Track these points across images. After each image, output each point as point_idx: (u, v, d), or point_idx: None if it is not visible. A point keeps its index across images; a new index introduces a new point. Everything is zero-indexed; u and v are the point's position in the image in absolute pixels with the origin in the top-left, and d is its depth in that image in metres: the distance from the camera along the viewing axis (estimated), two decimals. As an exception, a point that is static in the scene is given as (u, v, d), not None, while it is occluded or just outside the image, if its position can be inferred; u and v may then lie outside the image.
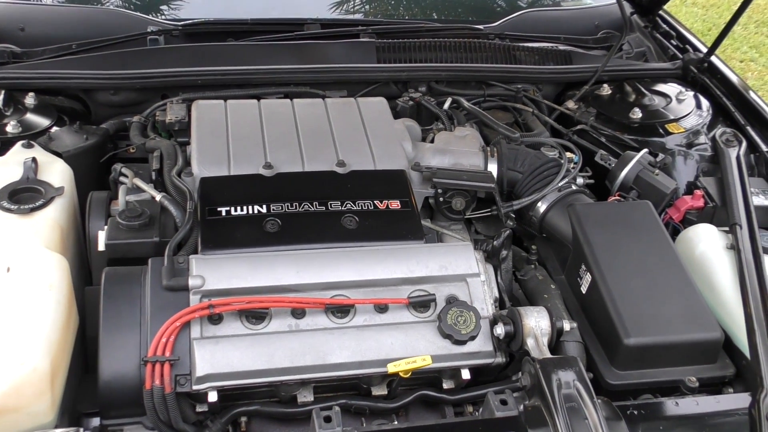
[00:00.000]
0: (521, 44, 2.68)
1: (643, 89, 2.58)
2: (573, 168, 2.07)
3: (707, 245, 1.97)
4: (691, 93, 2.60)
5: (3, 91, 2.22)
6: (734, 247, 1.92)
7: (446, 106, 2.38)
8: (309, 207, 1.87)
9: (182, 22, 2.58)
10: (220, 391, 1.62)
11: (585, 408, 1.44)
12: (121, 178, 2.01)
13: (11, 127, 2.11)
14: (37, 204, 1.81)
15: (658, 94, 2.59)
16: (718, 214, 2.12)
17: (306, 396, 1.71)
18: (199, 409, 1.65)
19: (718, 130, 2.38)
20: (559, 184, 2.01)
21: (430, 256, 1.78)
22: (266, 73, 2.34)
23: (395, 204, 1.92)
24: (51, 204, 1.83)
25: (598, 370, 1.72)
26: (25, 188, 1.86)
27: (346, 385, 1.73)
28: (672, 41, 2.91)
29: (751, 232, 1.97)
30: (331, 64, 2.40)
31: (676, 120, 2.45)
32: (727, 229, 2.01)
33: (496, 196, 1.98)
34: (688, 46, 2.84)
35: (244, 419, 1.72)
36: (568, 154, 2.14)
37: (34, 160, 1.91)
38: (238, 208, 1.85)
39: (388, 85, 2.51)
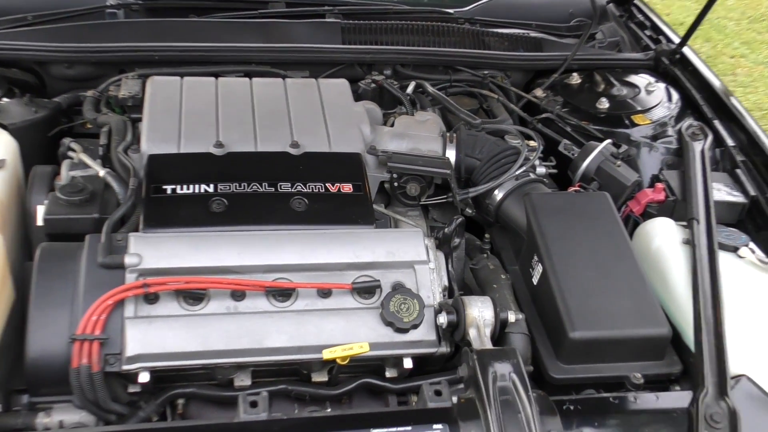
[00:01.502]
0: (491, 30, 2.63)
1: (612, 79, 2.54)
2: (533, 157, 2.03)
3: (663, 239, 1.94)
4: (662, 85, 2.56)
5: (-47, 61, 2.16)
6: (690, 242, 1.89)
7: (409, 89, 2.34)
8: (258, 188, 1.83)
9: (143, -4, 2.52)
10: (154, 372, 1.58)
11: (519, 402, 1.41)
12: (69, 153, 1.96)
13: (-43, 98, 2.06)
14: (-25, 177, 1.76)
15: (628, 85, 2.55)
16: (679, 208, 2.09)
17: (243, 380, 1.67)
18: (131, 389, 1.60)
19: (685, 123, 2.34)
20: (517, 173, 1.97)
21: (377, 241, 1.74)
22: (226, 51, 2.29)
23: (347, 187, 1.87)
24: (-8, 177, 1.78)
25: (543, 363, 1.69)
26: (-36, 160, 1.81)
27: (285, 370, 1.70)
28: (646, 32, 2.87)
29: (708, 228, 1.94)
30: (294, 44, 2.35)
31: (644, 111, 2.41)
32: (685, 223, 1.98)
33: (451, 183, 1.94)
34: (661, 37, 2.80)
35: (181, 402, 1.68)
36: (530, 143, 2.10)
37: (-24, 131, 1.86)
38: (185, 186, 1.80)
39: (353, 68, 2.46)
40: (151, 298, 1.60)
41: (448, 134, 2.08)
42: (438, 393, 1.52)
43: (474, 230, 2.13)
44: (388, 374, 1.72)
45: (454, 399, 1.45)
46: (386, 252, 1.73)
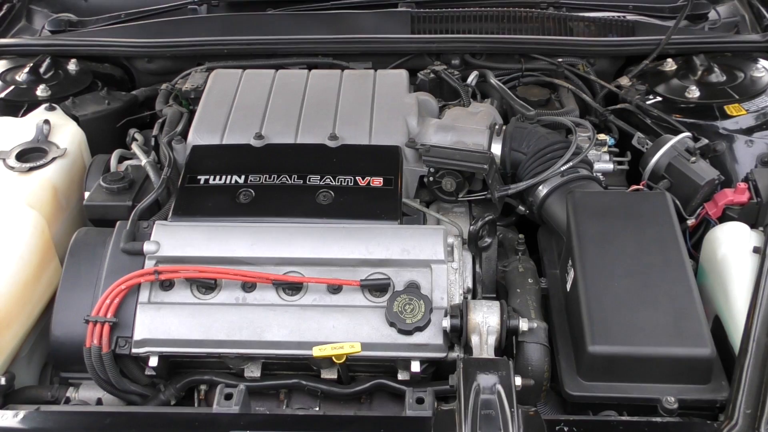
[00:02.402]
0: (578, 14, 2.44)
1: (713, 65, 2.25)
2: (584, 150, 1.85)
3: (730, 247, 1.70)
4: (777, 71, 2.24)
5: (48, 57, 2.35)
6: (759, 251, 1.64)
7: (470, 79, 2.22)
8: (286, 180, 1.83)
9: (224, -8, 2.61)
10: (168, 357, 1.64)
11: (501, 417, 1.29)
12: (132, 143, 2.07)
13: (40, 91, 2.24)
14: (36, 164, 1.91)
15: (732, 71, 2.26)
16: (764, 212, 1.82)
17: (253, 371, 1.68)
18: (147, 372, 1.67)
19: (793, 114, 2.04)
20: (562, 168, 1.80)
21: (393, 238, 1.68)
22: (290, 43, 2.31)
23: (377, 181, 1.82)
24: (50, 165, 1.92)
25: (560, 377, 1.54)
26: (33, 148, 1.96)
27: (297, 365, 1.68)
28: (773, 9, 2.52)
29: (788, 236, 1.67)
30: (358, 35, 2.32)
31: (742, 101, 2.12)
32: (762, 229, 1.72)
33: (488, 179, 1.82)
34: (790, 16, 2.45)
35: (203, 387, 1.73)
36: (584, 135, 1.92)
37: (47, 122, 2.01)
38: (217, 177, 1.84)
39: (422, 58, 2.38)
40: (166, 285, 1.65)
41: (497, 127, 1.95)
42: (420, 401, 1.44)
43: (531, 229, 1.99)
44: (400, 377, 1.66)
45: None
46: (401, 249, 1.66)
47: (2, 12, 2.59)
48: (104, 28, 2.51)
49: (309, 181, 1.82)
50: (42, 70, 2.32)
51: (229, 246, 1.67)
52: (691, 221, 1.88)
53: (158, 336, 1.59)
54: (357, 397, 1.69)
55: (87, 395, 1.70)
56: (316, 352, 1.51)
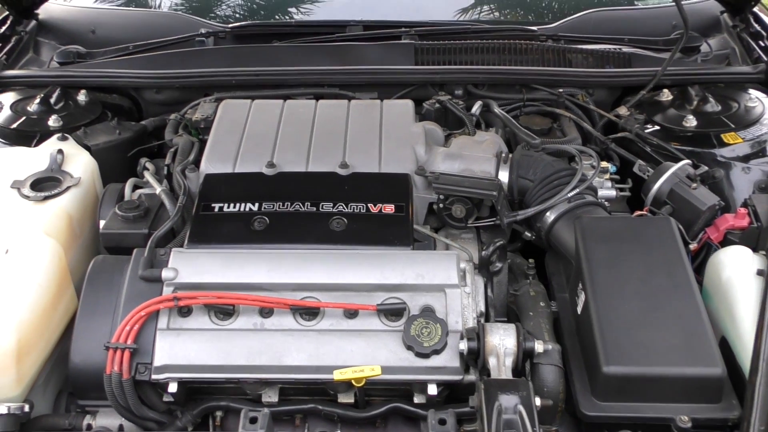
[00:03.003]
0: (576, 46, 2.51)
1: (708, 95, 2.33)
2: (589, 178, 1.90)
3: (734, 270, 1.75)
4: (767, 100, 2.32)
5: (58, 88, 2.39)
6: (763, 273, 1.69)
7: (474, 109, 2.28)
8: (300, 207, 1.86)
9: (231, 25, 2.65)
10: (186, 383, 1.65)
11: (523, 437, 1.32)
12: (143, 172, 2.10)
13: (52, 121, 2.28)
14: (51, 193, 1.93)
15: (726, 101, 2.34)
16: (764, 236, 1.88)
17: (271, 396, 1.70)
18: (166, 398, 1.68)
19: (787, 142, 2.11)
20: (569, 195, 1.85)
21: (407, 263, 1.71)
22: (297, 74, 2.36)
23: (389, 208, 1.86)
24: (65, 193, 1.94)
25: (576, 398, 1.58)
26: (47, 177, 1.98)
27: (314, 389, 1.70)
28: (761, 42, 2.61)
29: (790, 259, 1.73)
30: (363, 66, 2.37)
31: (738, 129, 2.19)
32: (765, 252, 1.78)
33: (497, 206, 1.87)
34: (778, 48, 2.54)
35: (219, 414, 1.74)
36: (592, 163, 1.98)
37: (60, 151, 2.04)
38: (231, 205, 1.87)
39: (425, 89, 2.44)
40: (185, 312, 1.67)
41: (503, 155, 2.00)
42: (442, 422, 1.47)
43: (536, 254, 2.03)
44: (416, 400, 1.68)
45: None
46: (416, 274, 1.69)
47: (11, 44, 2.62)
48: (113, 60, 2.55)
49: (322, 208, 1.86)
50: (53, 100, 2.35)
51: (246, 272, 1.70)
52: (693, 245, 1.94)
53: (178, 362, 1.61)
54: (372, 421, 1.71)
55: (104, 423, 1.70)
56: (337, 375, 1.54)
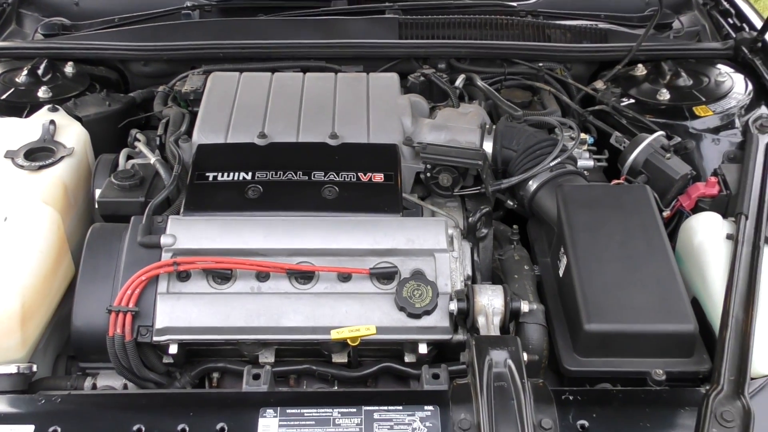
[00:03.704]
0: (554, 22, 2.59)
1: (680, 70, 2.43)
2: (570, 148, 1.99)
3: (706, 234, 1.85)
4: (737, 75, 2.43)
5: (45, 60, 2.40)
6: (732, 238, 1.80)
7: (458, 82, 2.35)
8: (292, 176, 1.92)
9: (216, -2, 2.69)
10: (184, 345, 1.71)
11: (513, 388, 1.41)
12: (135, 143, 2.14)
13: (42, 92, 2.30)
14: (46, 163, 1.96)
15: (697, 76, 2.44)
16: (732, 203, 1.98)
17: (267, 357, 1.77)
18: (165, 360, 1.74)
19: (754, 114, 2.22)
20: (551, 164, 1.94)
21: (398, 229, 1.79)
22: (284, 47, 2.41)
23: (378, 177, 1.93)
24: (59, 163, 1.98)
25: (559, 355, 1.67)
26: (40, 148, 2.01)
27: (309, 350, 1.78)
28: (730, 20, 2.72)
29: (757, 224, 1.83)
30: (350, 40, 2.43)
31: (708, 102, 2.29)
32: (734, 219, 1.88)
33: (482, 174, 1.95)
34: (745, 25, 2.65)
35: (216, 375, 1.80)
36: (571, 134, 2.06)
37: (52, 122, 2.06)
38: (225, 174, 1.92)
39: (409, 62, 2.50)
40: (183, 277, 1.73)
41: (487, 126, 2.08)
42: (436, 376, 1.56)
43: (517, 222, 2.12)
44: (406, 359, 1.76)
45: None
46: (406, 239, 1.77)
47: (-7, 16, 2.62)
48: (99, 32, 2.56)
49: (313, 177, 1.92)
50: (40, 72, 2.37)
51: (242, 238, 1.76)
52: (666, 212, 2.04)
53: (179, 324, 1.67)
54: (364, 380, 1.79)
55: (105, 384, 1.76)
56: (334, 335, 1.61)
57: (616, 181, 2.06)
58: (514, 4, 2.71)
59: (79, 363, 1.78)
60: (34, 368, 1.59)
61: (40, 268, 1.72)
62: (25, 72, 2.36)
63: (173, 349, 1.68)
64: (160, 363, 1.74)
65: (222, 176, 1.92)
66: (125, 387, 1.72)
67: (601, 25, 2.67)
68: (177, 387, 1.75)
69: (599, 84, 2.46)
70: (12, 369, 1.53)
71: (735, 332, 1.58)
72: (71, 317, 1.70)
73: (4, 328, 1.60)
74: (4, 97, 2.29)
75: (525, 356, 1.49)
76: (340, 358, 1.77)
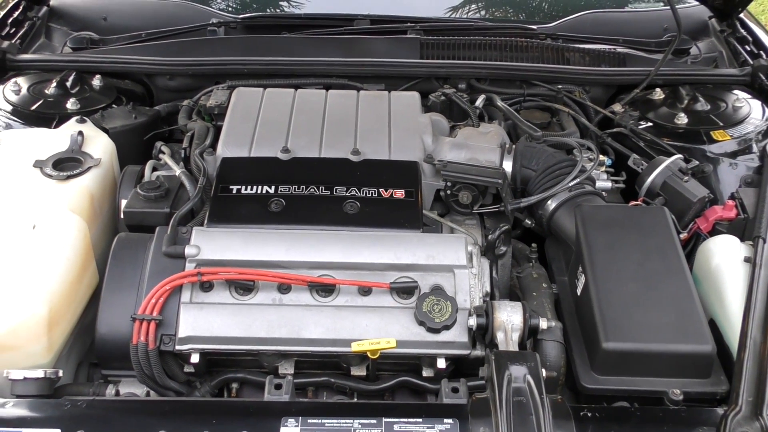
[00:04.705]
0: (573, 45, 2.63)
1: (698, 95, 2.45)
2: (589, 169, 2.01)
3: (723, 257, 1.87)
4: (753, 101, 2.45)
5: (74, 73, 2.45)
6: (750, 261, 1.81)
7: (478, 102, 2.39)
8: (315, 190, 1.95)
9: (242, 16, 2.74)
10: (206, 354, 1.73)
11: (532, 404, 1.43)
12: (160, 155, 2.18)
13: (70, 104, 2.35)
14: (73, 172, 2.00)
15: (715, 101, 2.46)
16: (750, 227, 2.00)
17: (287, 368, 1.79)
18: (187, 369, 1.76)
19: (772, 140, 2.24)
20: (570, 184, 1.96)
21: (419, 244, 1.81)
22: (307, 65, 2.45)
23: (399, 193, 1.96)
24: (87, 173, 2.01)
25: (576, 372, 1.69)
26: (68, 158, 2.05)
27: (328, 363, 1.80)
28: (747, 47, 2.75)
29: (775, 247, 1.85)
30: (372, 59, 2.47)
31: (726, 127, 2.32)
32: (752, 242, 1.90)
33: (502, 193, 1.97)
34: (762, 52, 2.68)
35: (235, 386, 1.82)
36: (590, 156, 2.09)
37: (80, 133, 2.11)
38: (249, 187, 1.95)
39: (430, 82, 2.54)
40: (206, 287, 1.75)
41: (507, 146, 2.11)
42: (455, 390, 1.58)
43: (534, 241, 2.14)
44: (424, 374, 1.78)
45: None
46: (426, 255, 1.79)
47: (24, 29, 2.68)
48: (126, 47, 2.62)
49: (335, 192, 1.95)
50: (69, 84, 2.42)
51: (265, 250, 1.79)
52: (683, 235, 2.05)
53: (201, 333, 1.69)
54: (382, 393, 1.81)
55: (127, 391, 1.78)
56: (355, 347, 1.63)
57: (634, 203, 2.08)
58: (535, 27, 2.75)
59: (101, 370, 1.81)
60: (60, 374, 1.62)
61: (66, 275, 1.75)
62: (54, 84, 2.41)
63: (195, 358, 1.70)
64: (182, 372, 1.77)
65: (245, 189, 1.95)
66: (147, 395, 1.75)
67: (620, 49, 2.70)
68: (196, 396, 1.77)
69: (617, 107, 2.49)
70: (39, 374, 1.56)
71: (753, 354, 1.59)
72: (96, 324, 1.72)
73: (32, 333, 1.63)
74: (33, 108, 2.34)
75: (543, 373, 1.51)
76: (358, 371, 1.79)
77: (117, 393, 1.74)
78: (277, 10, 3.02)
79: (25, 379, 1.55)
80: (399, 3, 2.93)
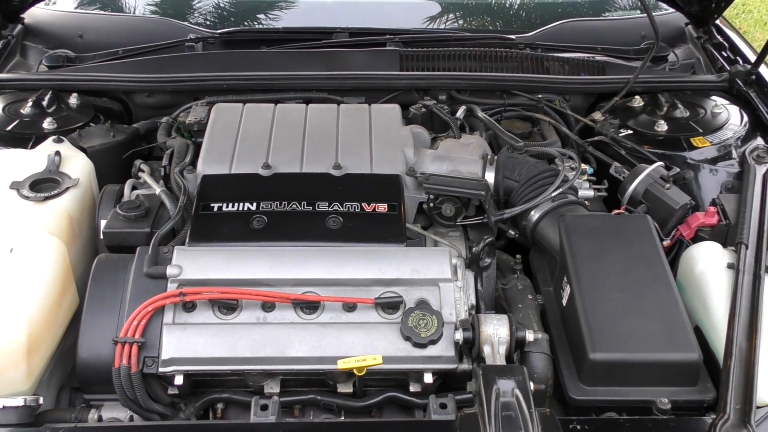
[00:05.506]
0: (552, 54, 2.64)
1: (677, 102, 2.47)
2: (571, 178, 2.02)
3: (707, 264, 1.87)
4: (732, 107, 2.47)
5: (50, 91, 2.42)
6: (734, 267, 1.82)
7: (459, 113, 2.38)
8: (297, 206, 1.93)
9: (219, 31, 2.72)
10: (190, 375, 1.71)
11: (521, 418, 1.42)
12: (139, 174, 2.15)
13: (47, 124, 2.32)
14: (51, 193, 1.97)
15: (694, 108, 2.48)
16: (732, 232, 2.01)
17: (273, 387, 1.76)
18: (171, 391, 1.73)
19: (751, 145, 2.25)
20: (553, 194, 1.96)
21: (403, 259, 1.80)
22: (287, 79, 2.44)
23: (382, 207, 1.95)
24: (65, 194, 1.98)
25: (564, 384, 1.68)
26: (46, 179, 2.02)
27: (314, 380, 1.78)
28: (723, 53, 2.77)
29: (757, 253, 1.86)
30: (352, 72, 2.46)
31: (705, 134, 2.33)
32: (734, 248, 1.90)
33: (485, 204, 1.97)
34: (738, 58, 2.70)
35: (220, 406, 1.80)
36: (571, 165, 2.09)
37: (57, 153, 2.08)
38: (230, 204, 1.93)
39: (410, 94, 2.53)
40: (189, 307, 1.73)
41: (489, 157, 2.11)
42: (443, 406, 1.56)
43: (518, 252, 2.14)
44: (411, 389, 1.76)
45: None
46: (411, 269, 1.78)
47: (-3, 48, 2.65)
48: (103, 64, 2.59)
49: (318, 207, 1.94)
50: (45, 103, 2.39)
51: (248, 269, 1.77)
52: (666, 242, 2.06)
53: (185, 355, 1.67)
54: (369, 410, 1.79)
55: (110, 416, 1.75)
56: (341, 364, 1.61)
57: (616, 211, 2.09)
58: (513, 37, 2.76)
59: (83, 394, 1.78)
60: (41, 401, 1.59)
61: (45, 299, 1.72)
62: (29, 103, 2.38)
63: (179, 380, 1.68)
64: (165, 394, 1.74)
65: (227, 207, 1.93)
66: (131, 419, 1.72)
67: (599, 57, 2.71)
68: (181, 418, 1.74)
69: (597, 115, 2.50)
70: (18, 402, 1.53)
71: (739, 361, 1.59)
72: (77, 348, 1.69)
73: (10, 360, 1.60)
74: (9, 128, 2.31)
75: (531, 386, 1.50)
76: (345, 388, 1.77)
77: (100, 418, 1.70)
78: (255, 24, 3.01)
79: (4, 408, 1.52)
80: (377, 15, 2.92)
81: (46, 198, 1.96)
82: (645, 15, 2.75)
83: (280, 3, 3.03)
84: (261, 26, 2.80)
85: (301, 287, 1.76)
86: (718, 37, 2.87)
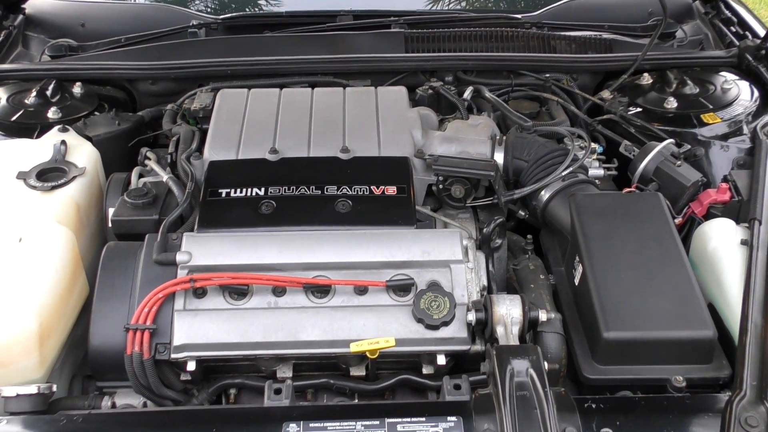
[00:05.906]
0: (559, 33, 2.61)
1: (686, 78, 2.44)
2: (581, 157, 2.00)
3: (720, 241, 1.85)
4: (742, 83, 2.44)
5: (54, 81, 2.41)
6: (747, 243, 1.80)
7: (466, 94, 2.36)
8: (305, 191, 1.92)
9: (222, 16, 2.70)
10: (202, 361, 1.70)
11: (536, 397, 1.41)
12: (145, 161, 2.14)
13: (51, 113, 2.30)
14: (58, 183, 1.96)
15: (703, 84, 2.45)
16: (744, 209, 1.99)
17: (285, 372, 1.76)
18: (183, 377, 1.73)
19: (762, 120, 2.22)
20: (563, 174, 1.95)
21: (413, 241, 1.79)
22: (292, 63, 2.42)
23: (391, 190, 1.93)
24: (72, 183, 1.98)
25: (578, 363, 1.67)
26: (52, 168, 2.01)
27: (327, 364, 1.77)
28: (732, 28, 2.74)
29: (771, 229, 1.84)
30: (357, 54, 2.44)
31: (716, 110, 2.31)
32: (747, 224, 1.89)
33: (495, 185, 1.95)
34: (747, 33, 2.67)
35: (233, 391, 1.80)
36: (581, 144, 2.07)
37: (63, 142, 2.07)
38: (238, 190, 1.93)
39: (416, 75, 2.52)
40: (199, 293, 1.72)
41: (497, 137, 2.09)
42: (457, 387, 1.55)
43: (528, 232, 2.12)
44: (424, 371, 1.76)
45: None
46: (422, 251, 1.77)
47: (0, 39, 2.63)
48: (106, 52, 2.58)
49: (326, 191, 1.92)
50: (49, 93, 2.37)
51: (258, 254, 1.76)
52: (678, 220, 2.04)
53: (197, 341, 1.66)
54: (382, 393, 1.78)
55: (123, 403, 1.75)
56: (354, 348, 1.61)
57: (627, 190, 2.07)
58: (519, 16, 2.73)
59: (96, 382, 1.78)
60: (54, 388, 1.58)
61: (56, 287, 1.71)
62: (33, 93, 2.37)
63: (191, 366, 1.67)
64: (178, 380, 1.74)
65: (235, 192, 1.92)
66: (144, 405, 1.72)
67: (606, 35, 2.68)
68: (194, 404, 1.74)
69: (606, 93, 2.47)
70: (32, 390, 1.52)
71: (755, 337, 1.58)
72: (88, 336, 1.69)
73: (23, 349, 1.60)
74: (14, 118, 2.30)
75: (546, 365, 1.49)
76: (358, 371, 1.77)
77: (113, 405, 1.70)
78: (257, 9, 2.99)
79: (18, 395, 1.52)
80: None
81: (54, 187, 1.95)
82: (652, -9, 2.74)
83: (282, -14, 3.01)
84: (264, 11, 2.78)
85: (311, 271, 1.75)
86: (726, 12, 2.84)
